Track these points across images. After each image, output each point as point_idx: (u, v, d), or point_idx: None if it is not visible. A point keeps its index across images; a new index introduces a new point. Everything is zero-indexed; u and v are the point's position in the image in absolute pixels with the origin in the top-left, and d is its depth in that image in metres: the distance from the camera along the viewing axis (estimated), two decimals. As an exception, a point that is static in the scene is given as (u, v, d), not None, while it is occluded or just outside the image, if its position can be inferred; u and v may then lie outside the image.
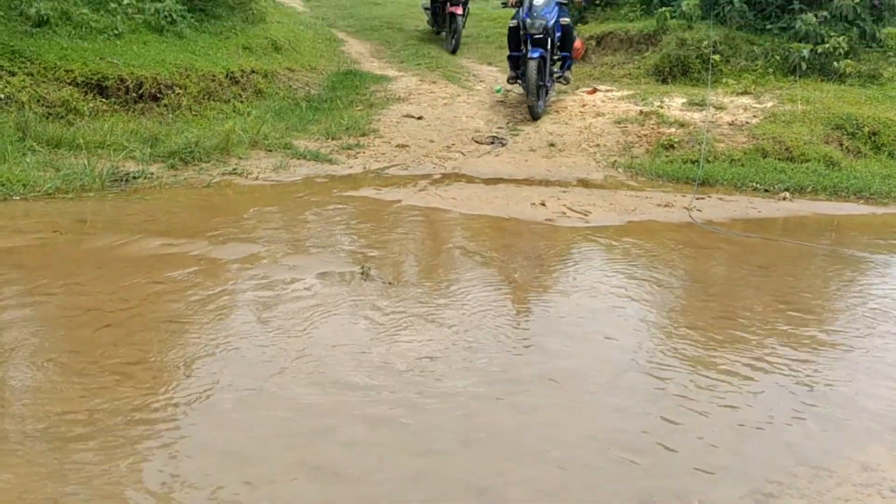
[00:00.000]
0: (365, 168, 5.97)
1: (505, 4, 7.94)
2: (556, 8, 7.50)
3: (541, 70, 7.30)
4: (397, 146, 6.64)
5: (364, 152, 6.42)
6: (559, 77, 7.94)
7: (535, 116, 7.43)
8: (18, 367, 2.56)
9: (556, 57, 7.77)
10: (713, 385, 2.71)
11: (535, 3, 7.38)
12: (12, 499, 1.90)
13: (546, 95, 7.71)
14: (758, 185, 5.91)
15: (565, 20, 7.65)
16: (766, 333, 3.20)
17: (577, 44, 8.25)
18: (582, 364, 2.83)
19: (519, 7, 7.57)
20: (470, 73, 9.66)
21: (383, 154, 6.41)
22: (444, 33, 11.48)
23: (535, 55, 7.13)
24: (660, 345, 3.05)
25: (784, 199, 5.66)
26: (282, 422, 2.33)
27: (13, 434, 2.18)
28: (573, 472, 2.17)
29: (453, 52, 10.87)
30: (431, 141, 6.85)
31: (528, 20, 7.31)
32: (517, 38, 7.58)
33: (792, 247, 4.56)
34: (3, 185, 4.47)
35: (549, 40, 7.36)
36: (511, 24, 7.58)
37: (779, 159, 6.48)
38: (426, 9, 11.86)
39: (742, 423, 2.47)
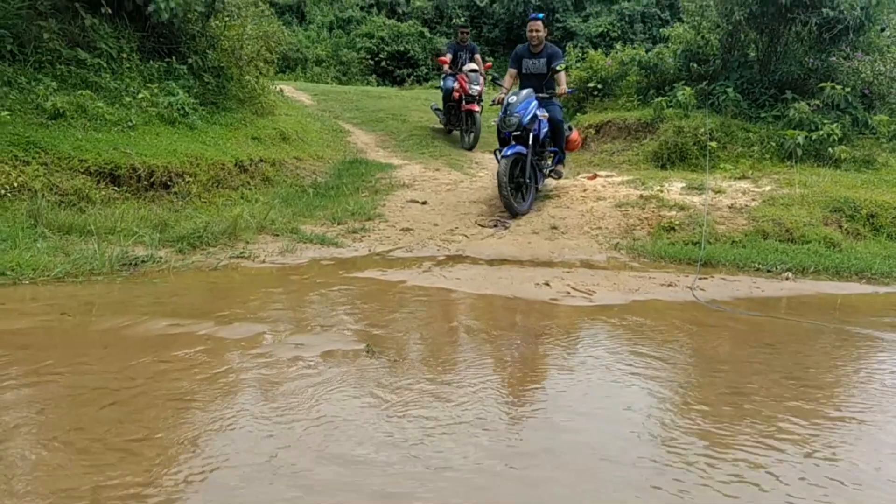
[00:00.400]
0: (370, 250, 6.05)
1: (494, 102, 7.97)
2: (533, 103, 7.45)
3: (520, 167, 7.29)
4: (402, 230, 6.74)
5: (369, 236, 6.51)
6: (550, 171, 7.92)
7: (513, 213, 7.21)
8: (23, 444, 2.54)
9: (544, 151, 7.81)
10: (725, 459, 2.67)
11: (509, 100, 7.42)
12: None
13: (534, 192, 7.62)
14: (760, 266, 5.95)
15: (545, 114, 7.60)
16: (777, 408, 3.17)
17: (574, 135, 8.28)
18: (590, 439, 2.79)
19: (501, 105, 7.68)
20: (472, 161, 9.90)
21: (388, 237, 6.50)
22: (456, 131, 11.74)
23: (508, 153, 7.11)
24: (668, 420, 3.02)
25: (787, 279, 5.69)
26: (288, 499, 2.28)
27: (14, 512, 2.15)
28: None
29: (470, 148, 10.93)
30: (435, 224, 6.95)
31: (503, 117, 7.37)
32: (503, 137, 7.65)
33: (797, 325, 4.56)
34: (13, 270, 4.53)
35: (532, 136, 7.37)
36: (493, 123, 7.80)
37: (779, 241, 6.55)
38: (437, 110, 12.18)
39: (757, 500, 2.42)
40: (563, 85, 7.71)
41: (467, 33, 12.25)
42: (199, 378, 3.17)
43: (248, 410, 2.91)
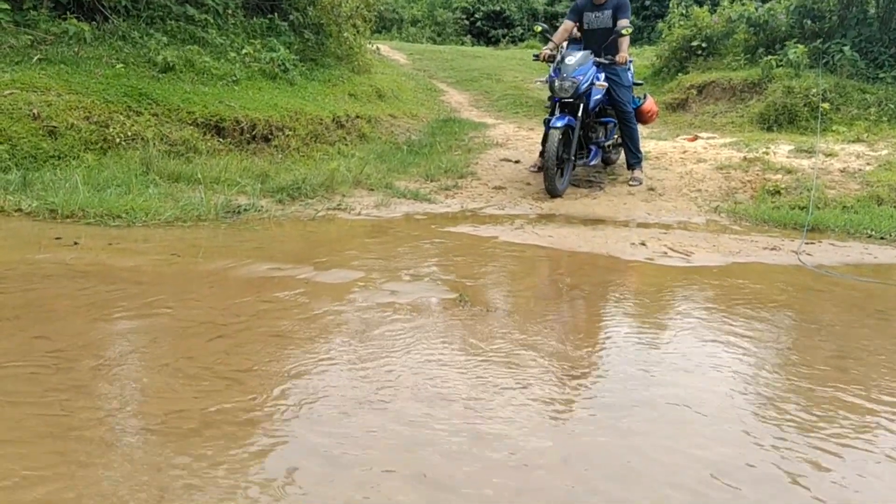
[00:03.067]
0: (462, 207, 6.06)
1: (537, 57, 6.70)
2: (592, 69, 6.41)
3: (567, 142, 6.32)
4: (494, 188, 6.72)
5: (462, 193, 6.52)
6: (605, 156, 7.07)
7: (553, 194, 6.34)
8: (138, 369, 2.71)
9: (597, 125, 6.84)
10: (828, 420, 2.57)
11: (566, 60, 6.33)
12: (127, 490, 1.99)
13: (571, 169, 6.62)
14: (872, 233, 5.62)
15: (603, 84, 6.54)
16: (886, 375, 3.01)
17: (647, 104, 7.20)
18: (688, 395, 2.73)
19: (551, 63, 6.58)
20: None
21: (480, 195, 6.49)
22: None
23: (559, 124, 6.12)
24: (770, 380, 2.92)
25: (902, 246, 5.37)
26: (385, 432, 2.35)
27: (132, 429, 2.29)
28: (675, 497, 2.09)
29: None
30: (528, 184, 6.89)
31: (557, 81, 6.29)
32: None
33: (912, 293, 4.30)
34: (127, 213, 4.78)
35: (583, 106, 6.40)
36: (537, 83, 7.20)
37: (895, 207, 6.17)
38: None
39: (863, 460, 2.33)
40: (623, 51, 6.52)
41: None
42: (299, 318, 3.28)
43: (344, 350, 2.99)
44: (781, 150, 7.57)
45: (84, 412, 2.34)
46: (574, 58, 6.32)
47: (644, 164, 7.35)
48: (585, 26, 6.77)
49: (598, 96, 6.57)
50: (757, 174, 6.93)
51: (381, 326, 3.27)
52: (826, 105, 8.67)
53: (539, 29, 6.91)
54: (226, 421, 2.34)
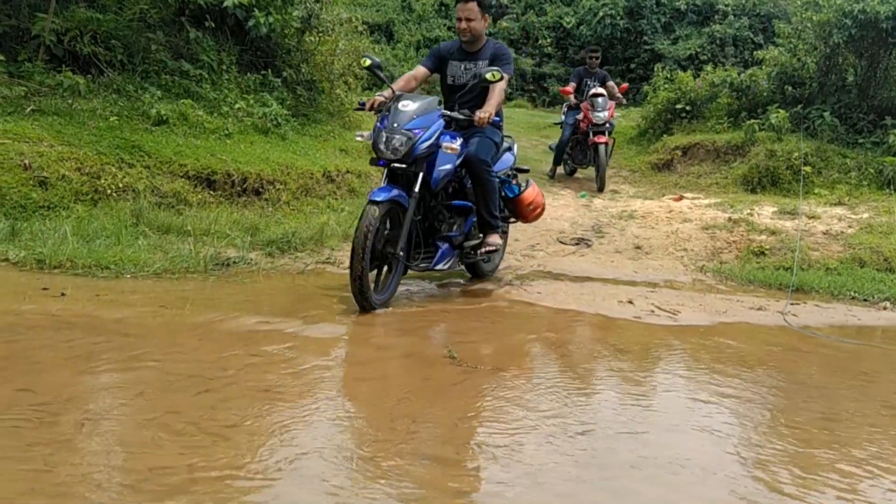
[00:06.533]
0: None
1: (362, 106, 4.81)
2: (438, 123, 4.57)
3: (395, 227, 4.50)
4: (483, 244, 6.76)
5: (451, 249, 6.55)
6: (469, 260, 5.07)
7: (362, 306, 4.24)
8: (123, 423, 2.67)
9: (443, 209, 4.89)
10: (817, 483, 2.56)
11: (400, 105, 4.49)
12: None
13: (400, 273, 4.59)
14: (856, 294, 5.70)
15: (453, 147, 4.56)
16: (873, 436, 3.02)
17: (529, 194, 5.38)
18: (678, 454, 2.72)
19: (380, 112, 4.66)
20: (555, 180, 9.84)
21: (470, 251, 6.52)
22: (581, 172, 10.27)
23: (380, 197, 4.27)
24: (758, 442, 2.92)
25: (885, 308, 5.44)
26: (373, 489, 2.32)
27: (113, 484, 2.25)
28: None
29: (601, 189, 9.34)
30: (516, 240, 6.94)
31: (383, 134, 4.43)
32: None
33: (897, 355, 4.34)
34: (116, 265, 4.77)
35: (423, 179, 4.50)
36: (358, 139, 4.99)
37: (877, 269, 6.27)
38: (556, 148, 10.24)
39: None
40: (490, 106, 4.71)
41: (597, 58, 10.49)
42: (286, 372, 3.26)
43: (332, 404, 2.97)
44: (765, 211, 7.70)
45: (68, 467, 2.30)
46: (412, 104, 4.49)
47: (630, 222, 7.43)
48: (449, 80, 5.06)
49: (448, 166, 4.65)
50: (742, 235, 7.03)
51: (369, 381, 3.25)
52: (808, 168, 8.86)
53: (367, 63, 4.70)
54: (212, 478, 2.30)
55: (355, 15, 11.01)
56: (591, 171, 10.02)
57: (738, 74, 11.27)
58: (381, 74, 4.81)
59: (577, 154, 10.08)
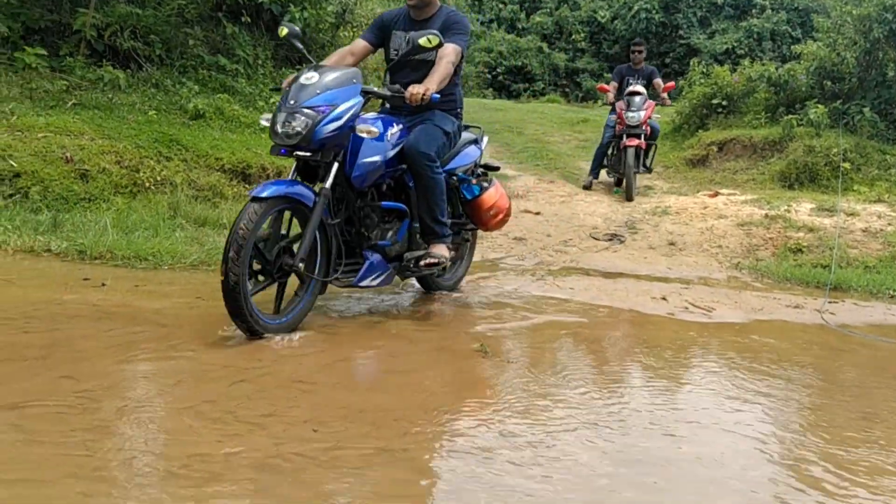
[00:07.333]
0: (482, 257, 6.09)
1: (278, 89, 4.55)
2: (354, 100, 3.65)
3: (290, 232, 3.74)
4: (514, 239, 6.76)
5: (482, 243, 6.54)
6: (415, 272, 4.20)
7: (250, 332, 3.43)
8: (160, 412, 2.72)
9: (393, 218, 4.07)
10: (851, 483, 2.53)
11: (302, 78, 3.59)
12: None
13: (314, 290, 3.74)
14: (895, 293, 5.59)
15: (371, 130, 3.68)
16: (915, 438, 2.97)
17: (489, 196, 4.50)
18: (712, 452, 2.70)
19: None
20: (587, 174, 9.77)
21: (500, 245, 6.53)
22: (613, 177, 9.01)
23: (264, 192, 3.39)
24: (791, 440, 2.89)
25: (926, 307, 5.32)
26: (406, 481, 2.34)
27: (154, 471, 2.30)
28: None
29: (630, 199, 8.28)
30: (548, 235, 6.93)
31: (280, 114, 3.54)
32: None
33: (939, 355, 4.25)
34: (154, 256, 4.86)
35: (337, 171, 3.64)
36: (263, 122, 3.82)
37: (918, 268, 6.14)
38: (595, 154, 9.21)
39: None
40: (433, 81, 3.84)
41: (641, 52, 9.33)
42: (320, 363, 3.30)
43: (365, 397, 3.00)
44: (803, 208, 7.57)
45: (108, 453, 2.35)
46: (318, 76, 3.59)
47: (664, 217, 7.37)
48: (392, 53, 4.22)
49: (375, 158, 3.80)
50: (778, 232, 6.93)
51: (401, 375, 3.28)
52: (847, 165, 8.69)
53: (284, 33, 3.89)
54: (248, 466, 2.34)
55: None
56: (651, 180, 9.29)
57: (776, 69, 11.07)
58: (302, 46, 3.92)
59: (615, 161, 8.90)
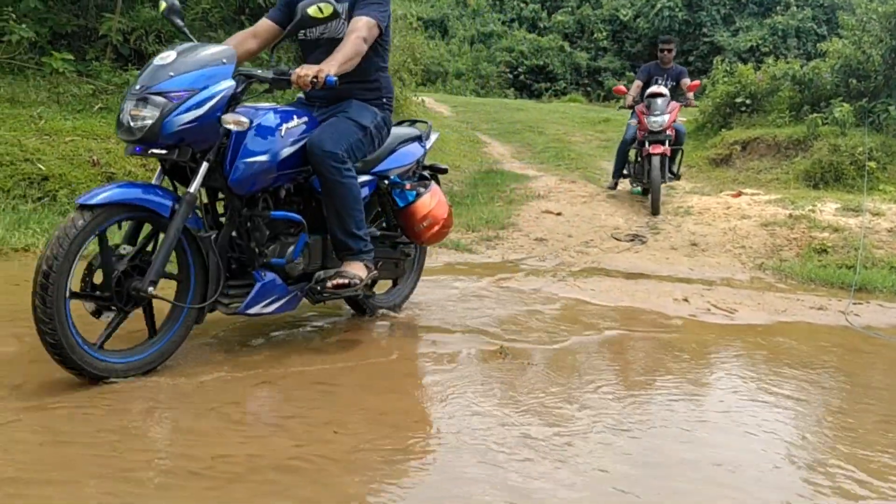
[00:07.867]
0: (503, 258, 6.10)
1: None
2: (225, 82, 2.98)
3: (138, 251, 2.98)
4: (535, 239, 6.76)
5: (503, 244, 6.57)
6: (317, 288, 3.44)
7: (91, 377, 2.83)
8: (183, 413, 2.76)
9: (287, 230, 3.40)
10: (877, 488, 2.51)
11: (156, 60, 2.95)
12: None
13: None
14: (923, 295, 5.52)
15: (239, 122, 3.02)
16: (940, 443, 2.93)
17: (423, 205, 3.89)
18: (734, 454, 2.69)
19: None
20: (610, 174, 9.74)
21: (521, 246, 6.54)
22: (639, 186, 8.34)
23: (93, 200, 2.71)
24: (814, 443, 2.87)
25: (954, 309, 5.25)
26: (428, 483, 2.36)
27: (178, 470, 2.34)
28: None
29: (655, 213, 7.60)
30: (570, 236, 6.92)
31: (127, 100, 2.92)
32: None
33: (966, 358, 4.19)
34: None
35: (202, 170, 2.96)
36: None
37: (946, 269, 6.05)
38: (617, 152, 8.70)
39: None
40: (336, 60, 3.20)
41: (670, 50, 8.64)
42: (340, 366, 3.33)
43: (386, 398, 3.02)
44: (828, 208, 7.49)
45: (134, 454, 2.39)
46: (175, 55, 2.95)
47: (686, 218, 7.32)
48: (301, 35, 3.62)
49: (261, 157, 3.13)
50: (803, 232, 6.86)
51: (423, 376, 3.30)
52: (873, 164, 8.59)
53: (162, 7, 3.24)
54: (271, 467, 2.37)
55: (410, 11, 11.08)
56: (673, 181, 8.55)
57: (801, 67, 10.96)
58: (182, 23, 3.26)
59: (638, 170, 8.13)
